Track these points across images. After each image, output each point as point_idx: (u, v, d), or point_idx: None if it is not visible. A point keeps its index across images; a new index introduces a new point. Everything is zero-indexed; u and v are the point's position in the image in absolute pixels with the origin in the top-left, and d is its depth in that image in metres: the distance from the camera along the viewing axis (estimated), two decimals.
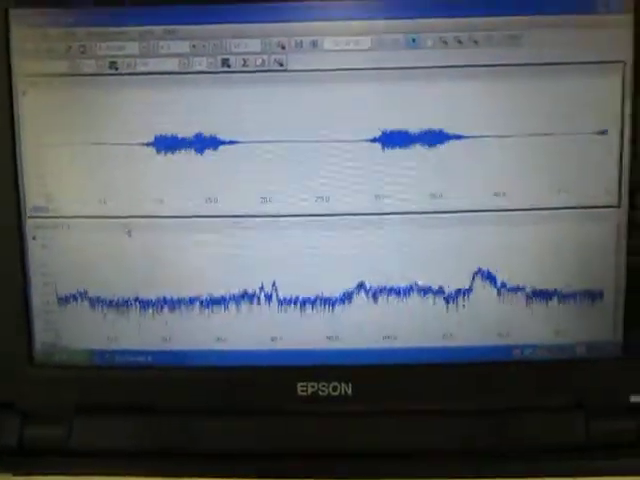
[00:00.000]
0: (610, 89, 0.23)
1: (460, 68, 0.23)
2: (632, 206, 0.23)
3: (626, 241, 0.23)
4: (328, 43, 0.23)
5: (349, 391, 0.24)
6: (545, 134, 0.23)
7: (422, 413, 0.24)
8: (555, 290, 0.24)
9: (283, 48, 0.23)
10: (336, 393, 0.24)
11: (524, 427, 0.24)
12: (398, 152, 0.23)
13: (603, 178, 0.23)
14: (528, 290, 0.24)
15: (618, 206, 0.23)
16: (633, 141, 0.23)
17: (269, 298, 0.24)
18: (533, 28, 0.22)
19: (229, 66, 0.23)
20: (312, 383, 0.24)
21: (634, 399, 0.24)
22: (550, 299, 0.24)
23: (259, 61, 0.23)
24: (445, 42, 0.23)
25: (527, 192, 0.23)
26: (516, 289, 0.24)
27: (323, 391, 0.24)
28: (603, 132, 0.23)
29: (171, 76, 0.23)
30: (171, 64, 0.23)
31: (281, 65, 0.23)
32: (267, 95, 0.23)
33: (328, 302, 0.24)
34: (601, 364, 0.24)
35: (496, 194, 0.23)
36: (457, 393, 0.24)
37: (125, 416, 0.25)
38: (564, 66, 0.23)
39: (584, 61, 0.23)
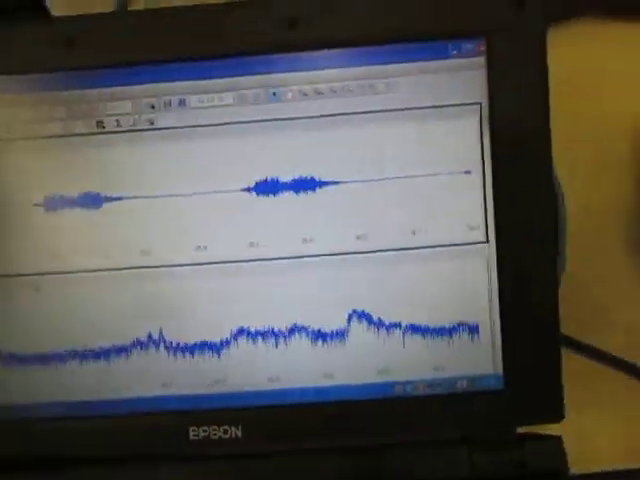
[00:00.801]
0: (469, 130, 0.23)
1: (320, 118, 0.24)
2: (499, 241, 0.24)
3: (497, 275, 0.24)
4: (194, 101, 0.24)
5: (239, 433, 0.25)
6: (409, 176, 0.24)
7: (309, 452, 0.25)
8: (431, 326, 0.24)
9: (153, 107, 0.24)
10: (227, 436, 0.25)
11: (408, 463, 0.24)
12: (271, 200, 0.24)
13: (470, 216, 0.24)
14: (404, 327, 0.24)
15: (486, 242, 0.24)
16: (495, 178, 0.23)
17: (158, 345, 0.25)
18: (390, 76, 0.23)
19: (104, 127, 0.24)
20: (204, 427, 0.25)
21: (518, 430, 0.25)
22: (426, 335, 0.24)
23: (131, 121, 0.24)
24: (305, 94, 0.24)
25: (392, 233, 0.24)
26: (392, 327, 0.24)
27: (215, 435, 0.25)
28: (466, 172, 0.24)
29: (56, 139, 0.24)
30: (54, 128, 0.24)
31: (152, 124, 0.24)
32: (141, 153, 0.24)
33: (213, 347, 0.25)
34: (483, 397, 0.24)
35: (358, 237, 0.24)
36: (340, 431, 0.24)
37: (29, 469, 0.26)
38: (423, 110, 0.23)
39: (442, 104, 0.23)
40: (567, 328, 0.29)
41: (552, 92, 0.35)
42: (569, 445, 0.25)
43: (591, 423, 0.28)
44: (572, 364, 0.29)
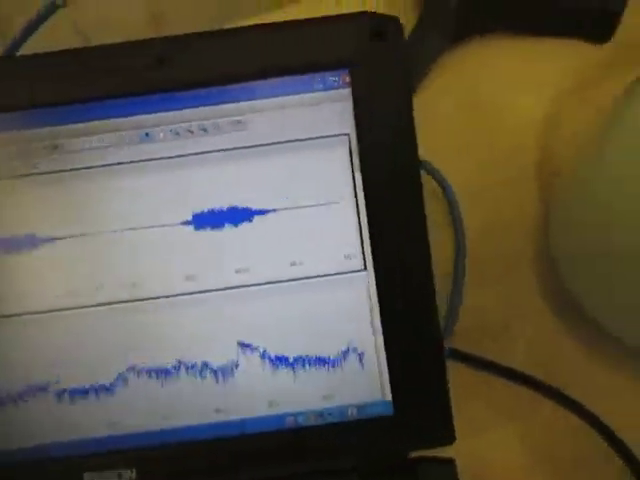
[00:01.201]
0: (339, 161, 0.24)
1: (196, 155, 0.24)
2: (377, 268, 0.24)
3: (378, 302, 0.24)
4: (72, 144, 0.24)
5: (134, 476, 0.25)
6: (283, 209, 0.24)
7: None
8: (317, 356, 0.24)
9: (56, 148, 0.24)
10: None
11: None
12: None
13: (346, 245, 0.24)
14: (291, 358, 0.24)
15: (364, 269, 0.24)
16: (368, 207, 0.24)
17: (51, 391, 0.25)
18: (257, 112, 0.24)
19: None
20: (98, 472, 0.25)
21: (410, 455, 0.25)
22: (313, 365, 0.24)
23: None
24: (177, 133, 0.24)
25: (271, 266, 0.24)
26: (280, 358, 0.24)
27: (109, 478, 0.25)
28: (339, 202, 0.24)
29: None
30: None
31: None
32: (65, 194, 0.24)
33: (104, 389, 0.25)
34: (373, 424, 0.24)
35: (238, 271, 0.24)
36: (235, 466, 0.24)
37: None
38: (293, 143, 0.24)
39: (311, 137, 0.24)
40: (469, 345, 0.30)
41: (455, 110, 0.36)
42: (469, 462, 0.25)
43: (493, 437, 0.28)
44: (474, 380, 0.29)
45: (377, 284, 0.24)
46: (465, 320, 0.30)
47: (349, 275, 0.24)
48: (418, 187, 0.24)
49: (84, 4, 0.36)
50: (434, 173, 0.31)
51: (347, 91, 0.24)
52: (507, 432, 0.28)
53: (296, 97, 0.24)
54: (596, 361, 0.29)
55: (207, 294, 0.24)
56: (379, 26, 0.23)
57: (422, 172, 0.32)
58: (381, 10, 0.25)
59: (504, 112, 0.35)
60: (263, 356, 0.24)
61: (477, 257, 0.31)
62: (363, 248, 0.24)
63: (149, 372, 0.24)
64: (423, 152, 0.34)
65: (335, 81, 0.24)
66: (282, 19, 0.25)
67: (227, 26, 0.31)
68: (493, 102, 0.36)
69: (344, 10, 0.25)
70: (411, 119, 0.23)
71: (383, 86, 0.23)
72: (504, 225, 0.32)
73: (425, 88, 0.36)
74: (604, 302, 0.26)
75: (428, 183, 0.32)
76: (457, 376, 0.29)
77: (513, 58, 0.37)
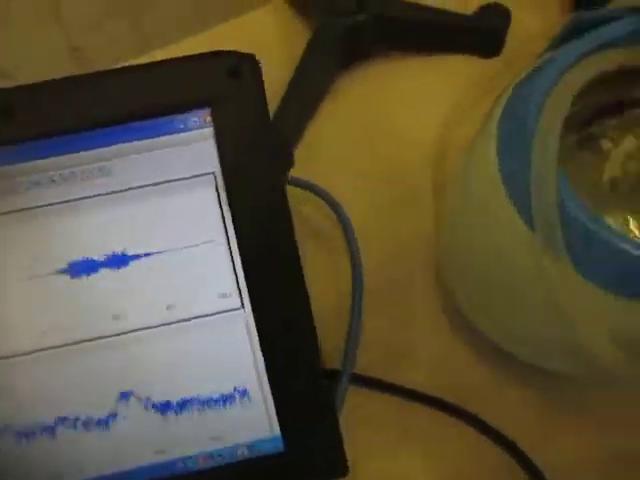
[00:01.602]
0: (207, 200, 0.24)
1: (62, 204, 0.23)
2: (255, 305, 0.24)
3: (258, 338, 0.24)
4: None
5: None
6: (156, 253, 0.24)
7: None
8: (202, 398, 0.24)
9: None
10: None
11: None
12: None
13: (222, 284, 0.24)
14: (175, 403, 0.24)
15: (242, 307, 0.24)
16: (240, 244, 0.24)
17: None
18: (119, 157, 0.23)
19: None
20: None
21: None
22: (199, 408, 0.24)
23: None
24: (38, 183, 0.23)
25: (147, 311, 0.24)
26: (163, 404, 0.24)
27: None
28: (211, 241, 0.24)
29: None
30: None
31: None
32: None
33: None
34: (265, 462, 0.24)
35: (114, 318, 0.24)
36: None
37: None
38: (159, 186, 0.23)
39: (177, 178, 0.24)
40: (372, 370, 0.30)
41: (348, 133, 0.36)
42: None
43: (399, 460, 0.28)
44: (378, 405, 0.29)
45: (256, 321, 0.24)
46: (367, 345, 0.30)
47: (227, 314, 0.24)
48: (288, 219, 0.23)
49: None
50: (329, 200, 0.32)
51: (209, 130, 0.23)
52: (412, 453, 0.28)
53: (159, 139, 0.23)
54: (496, 377, 0.29)
55: (83, 344, 0.24)
56: (235, 64, 0.23)
57: (316, 197, 0.32)
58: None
59: (397, 132, 0.36)
60: (146, 403, 0.24)
61: (375, 279, 0.31)
62: (239, 286, 0.24)
63: (27, 432, 0.24)
64: (318, 177, 0.34)
65: (196, 121, 0.23)
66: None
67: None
68: (386, 123, 0.37)
69: None
70: (275, 151, 0.23)
71: (244, 122, 0.23)
72: (401, 246, 0.32)
73: (318, 113, 0.36)
74: (489, 320, 0.27)
75: (322, 208, 0.33)
76: (361, 401, 0.29)
77: (405, 77, 0.38)
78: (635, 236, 0.25)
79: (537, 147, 0.20)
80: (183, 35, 0.41)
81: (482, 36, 0.37)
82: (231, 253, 0.24)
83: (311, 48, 0.35)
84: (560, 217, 0.19)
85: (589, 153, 0.27)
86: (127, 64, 0.25)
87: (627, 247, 0.18)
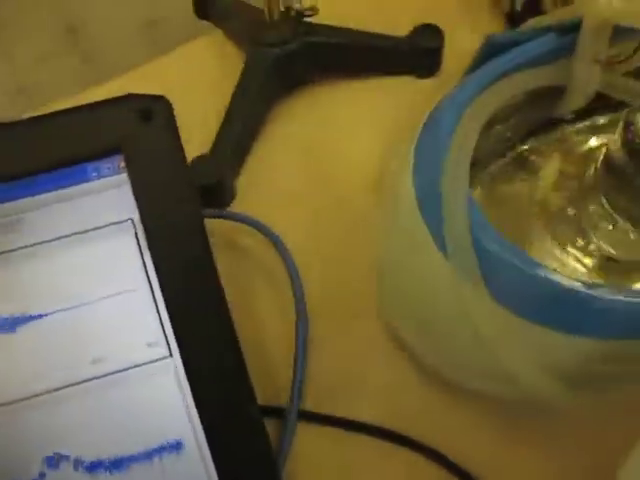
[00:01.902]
0: (127, 247, 0.23)
1: None
2: (184, 352, 0.23)
3: (189, 386, 0.23)
4: None
5: None
6: (77, 306, 0.23)
7: None
8: (135, 454, 0.23)
9: None
10: None
11: None
12: None
13: (148, 333, 0.23)
14: (108, 462, 0.23)
15: (170, 356, 0.23)
16: (164, 291, 0.23)
17: None
18: (32, 210, 0.23)
19: None
20: None
21: None
22: (133, 463, 0.23)
23: None
24: None
25: (70, 367, 0.23)
26: (95, 464, 0.23)
27: None
28: (134, 290, 0.23)
29: None
30: None
31: None
32: None
33: None
34: None
35: (35, 377, 0.23)
36: None
37: None
38: (76, 236, 0.23)
39: (94, 227, 0.23)
40: (321, 404, 0.29)
41: (292, 160, 0.36)
42: None
43: None
44: (329, 440, 0.28)
45: (186, 369, 0.23)
46: (314, 378, 0.29)
47: (155, 364, 0.23)
48: (211, 262, 0.23)
49: None
50: (266, 231, 0.31)
51: (124, 176, 0.23)
52: None
53: (72, 189, 0.23)
54: (446, 406, 0.28)
55: (4, 408, 0.23)
56: (146, 107, 0.22)
57: (255, 231, 0.32)
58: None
59: (340, 157, 0.35)
60: (76, 464, 0.23)
61: (320, 310, 0.31)
62: (165, 334, 0.23)
63: None
64: (260, 207, 0.34)
65: (110, 168, 0.23)
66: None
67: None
68: (328, 148, 0.36)
69: None
70: (193, 192, 0.23)
71: (159, 165, 0.23)
72: (346, 274, 0.32)
73: (259, 142, 0.36)
74: (428, 348, 0.26)
75: (262, 242, 0.32)
76: (310, 438, 0.28)
77: (346, 101, 0.38)
78: (575, 258, 0.25)
79: (447, 172, 0.19)
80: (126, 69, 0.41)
81: (417, 57, 0.37)
82: (155, 300, 0.23)
83: (243, 80, 0.34)
84: (473, 243, 0.19)
85: (523, 173, 0.27)
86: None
87: (542, 274, 0.18)
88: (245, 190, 0.35)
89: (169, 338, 0.23)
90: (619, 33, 0.22)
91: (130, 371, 0.23)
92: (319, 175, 0.35)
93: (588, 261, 0.25)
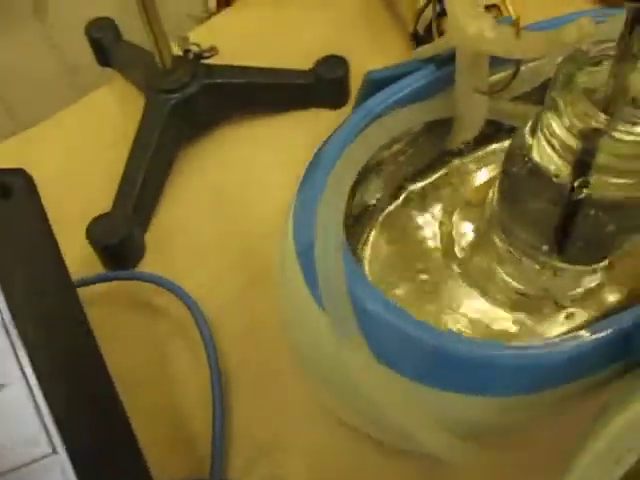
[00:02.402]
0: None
1: None
2: (69, 446, 0.21)
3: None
4: None
5: None
6: None
7: None
8: None
9: None
10: None
11: None
12: None
13: (27, 430, 0.21)
14: None
15: (54, 452, 0.21)
16: (41, 383, 0.21)
17: None
18: None
19: None
20: None
21: None
22: None
23: None
24: None
25: None
26: None
27: None
28: (8, 384, 0.21)
29: None
30: None
31: None
32: None
33: None
34: None
35: None
36: None
37: None
38: None
39: None
40: (247, 473, 0.27)
41: (202, 210, 0.34)
42: None
43: None
44: None
45: (74, 465, 0.21)
46: (236, 447, 0.28)
47: (40, 463, 0.21)
48: (92, 342, 0.21)
49: None
50: (177, 291, 0.29)
51: None
52: None
53: None
54: (376, 467, 0.26)
55: None
56: (2, 184, 0.21)
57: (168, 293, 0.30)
58: None
59: (250, 205, 0.33)
60: None
61: (238, 373, 0.29)
62: (47, 429, 0.21)
63: None
64: (170, 262, 0.32)
65: None
66: None
67: None
68: (237, 195, 0.34)
69: None
70: (63, 271, 0.21)
71: (22, 244, 0.21)
72: (261, 329, 0.30)
73: (164, 194, 0.34)
74: (339, 403, 0.24)
75: (175, 301, 0.30)
76: None
77: (255, 141, 0.36)
78: (485, 295, 0.24)
79: (320, 225, 0.18)
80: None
81: (323, 89, 0.36)
82: (32, 394, 0.21)
83: (140, 130, 0.32)
84: (351, 300, 0.17)
85: (422, 211, 0.26)
86: None
87: (421, 335, 0.16)
88: (155, 245, 0.34)
89: (51, 433, 0.21)
90: (502, 60, 0.22)
91: (14, 473, 0.21)
92: (230, 224, 0.33)
93: (500, 297, 0.24)
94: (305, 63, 0.37)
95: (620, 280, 0.23)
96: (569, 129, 0.18)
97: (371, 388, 0.17)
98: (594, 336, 0.17)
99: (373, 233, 0.23)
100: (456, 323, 0.24)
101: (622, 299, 0.23)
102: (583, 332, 0.17)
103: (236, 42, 0.40)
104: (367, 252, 0.23)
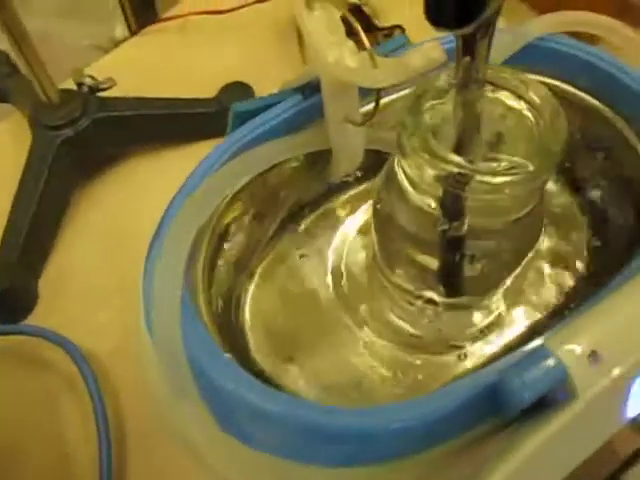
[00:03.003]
0: None
1: None
2: None
3: None
4: None
5: None
6: None
7: None
8: None
9: None
10: None
11: None
12: None
13: None
14: None
15: None
16: None
17: None
18: None
19: None
20: None
21: None
22: None
23: None
24: None
25: None
26: None
27: None
28: None
29: None
30: None
31: None
32: None
33: None
34: None
35: None
36: None
37: None
38: None
39: None
40: None
41: (99, 250, 0.32)
42: None
43: None
44: None
45: None
46: None
47: None
48: None
49: None
50: (65, 346, 0.27)
51: None
52: None
53: None
54: None
55: None
56: None
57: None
58: None
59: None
60: None
61: (133, 433, 0.27)
62: None
63: None
64: (61, 315, 0.29)
65: None
66: None
67: None
68: (137, 234, 0.32)
69: None
70: None
71: None
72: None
73: (59, 235, 0.32)
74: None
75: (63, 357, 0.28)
76: None
77: (157, 174, 0.34)
78: (380, 336, 0.22)
79: (157, 286, 0.16)
80: None
81: (227, 117, 0.34)
82: None
83: (26, 171, 0.30)
84: (188, 361, 0.15)
85: (304, 253, 0.24)
86: None
87: (268, 406, 0.14)
88: (49, 292, 0.31)
89: None
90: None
91: None
92: (130, 264, 0.31)
93: (393, 337, 0.22)
94: (213, 92, 0.36)
95: None
96: (425, 176, 0.16)
97: (210, 455, 0.15)
98: (456, 396, 0.15)
99: (257, 283, 0.22)
100: (368, 366, 0.22)
101: (519, 336, 0.22)
102: (450, 388, 0.15)
103: (142, 72, 0.38)
104: (248, 303, 0.21)
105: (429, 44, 0.15)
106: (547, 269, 0.22)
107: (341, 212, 0.23)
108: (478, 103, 0.14)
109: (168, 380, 0.15)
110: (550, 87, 0.21)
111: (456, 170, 0.15)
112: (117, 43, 0.41)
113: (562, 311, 0.21)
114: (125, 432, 0.26)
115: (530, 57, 0.21)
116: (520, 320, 0.21)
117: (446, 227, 0.17)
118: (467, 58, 0.13)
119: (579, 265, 0.22)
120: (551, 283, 0.22)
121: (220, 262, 0.19)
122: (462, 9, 0.11)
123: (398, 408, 0.14)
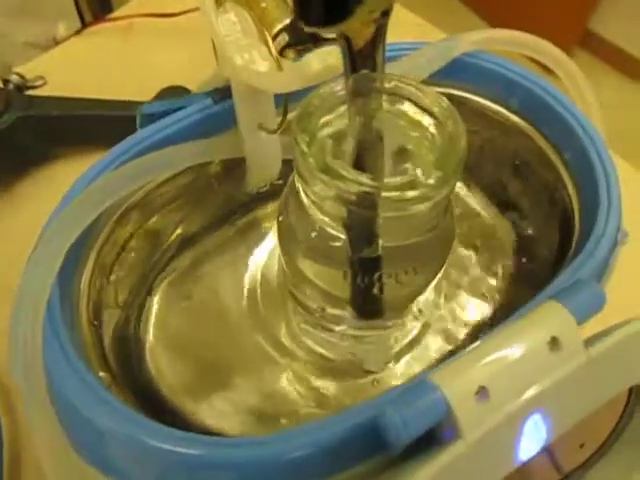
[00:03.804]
0: None
1: None
2: None
3: None
4: None
5: None
6: None
7: None
8: None
9: None
10: None
11: None
12: None
13: None
14: None
15: None
16: None
17: None
18: None
19: None
20: None
21: None
22: None
23: None
24: None
25: None
26: None
27: None
28: None
29: None
30: None
31: None
32: None
33: None
34: None
35: None
36: None
37: None
38: None
39: None
40: None
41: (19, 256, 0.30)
42: None
43: None
44: None
45: None
46: None
47: None
48: None
49: None
50: None
51: None
52: None
53: None
54: None
55: None
56: None
57: None
58: None
59: None
60: None
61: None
62: None
63: None
64: None
65: None
66: None
67: None
68: None
69: None
70: None
71: None
72: None
73: None
74: None
75: None
76: None
77: (76, 178, 0.33)
78: (293, 358, 0.21)
79: (21, 296, 0.15)
80: None
81: None
82: None
83: None
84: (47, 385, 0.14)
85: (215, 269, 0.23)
86: None
87: (142, 437, 0.13)
88: None
89: None
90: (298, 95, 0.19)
91: None
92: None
93: (308, 359, 0.21)
94: (152, 95, 0.35)
95: None
96: (325, 196, 0.15)
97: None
98: (330, 430, 0.13)
99: (160, 298, 0.20)
100: (286, 391, 0.21)
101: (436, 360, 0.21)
102: (328, 421, 0.14)
103: (80, 72, 0.36)
104: (151, 321, 0.20)
105: (325, 49, 0.14)
106: (466, 292, 0.22)
107: (266, 223, 0.22)
108: (377, 115, 0.13)
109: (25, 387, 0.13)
110: (473, 104, 0.21)
111: (357, 189, 0.14)
112: (57, 42, 0.39)
113: (479, 335, 0.20)
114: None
115: (457, 73, 0.21)
116: (436, 344, 0.20)
117: (359, 255, 0.16)
118: (353, 65, 0.12)
119: (499, 289, 0.21)
120: (470, 305, 0.21)
121: (113, 276, 0.18)
122: (331, 6, 0.10)
123: (264, 441, 0.13)
